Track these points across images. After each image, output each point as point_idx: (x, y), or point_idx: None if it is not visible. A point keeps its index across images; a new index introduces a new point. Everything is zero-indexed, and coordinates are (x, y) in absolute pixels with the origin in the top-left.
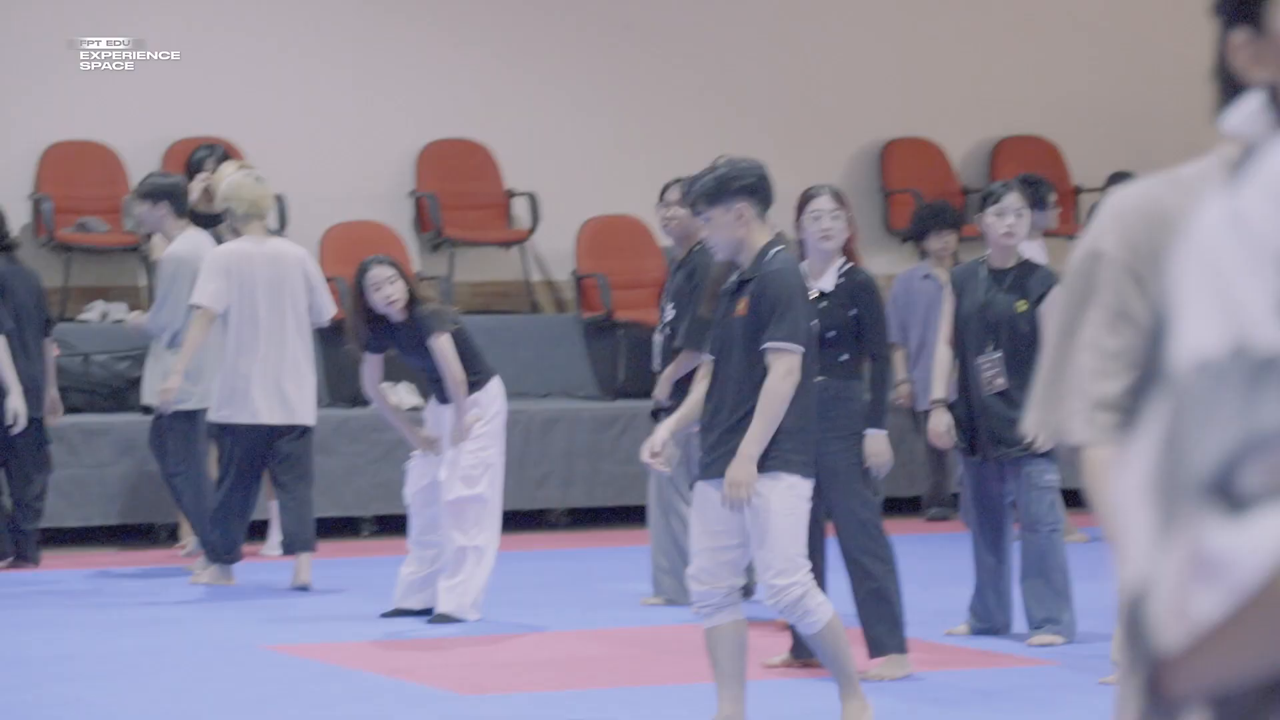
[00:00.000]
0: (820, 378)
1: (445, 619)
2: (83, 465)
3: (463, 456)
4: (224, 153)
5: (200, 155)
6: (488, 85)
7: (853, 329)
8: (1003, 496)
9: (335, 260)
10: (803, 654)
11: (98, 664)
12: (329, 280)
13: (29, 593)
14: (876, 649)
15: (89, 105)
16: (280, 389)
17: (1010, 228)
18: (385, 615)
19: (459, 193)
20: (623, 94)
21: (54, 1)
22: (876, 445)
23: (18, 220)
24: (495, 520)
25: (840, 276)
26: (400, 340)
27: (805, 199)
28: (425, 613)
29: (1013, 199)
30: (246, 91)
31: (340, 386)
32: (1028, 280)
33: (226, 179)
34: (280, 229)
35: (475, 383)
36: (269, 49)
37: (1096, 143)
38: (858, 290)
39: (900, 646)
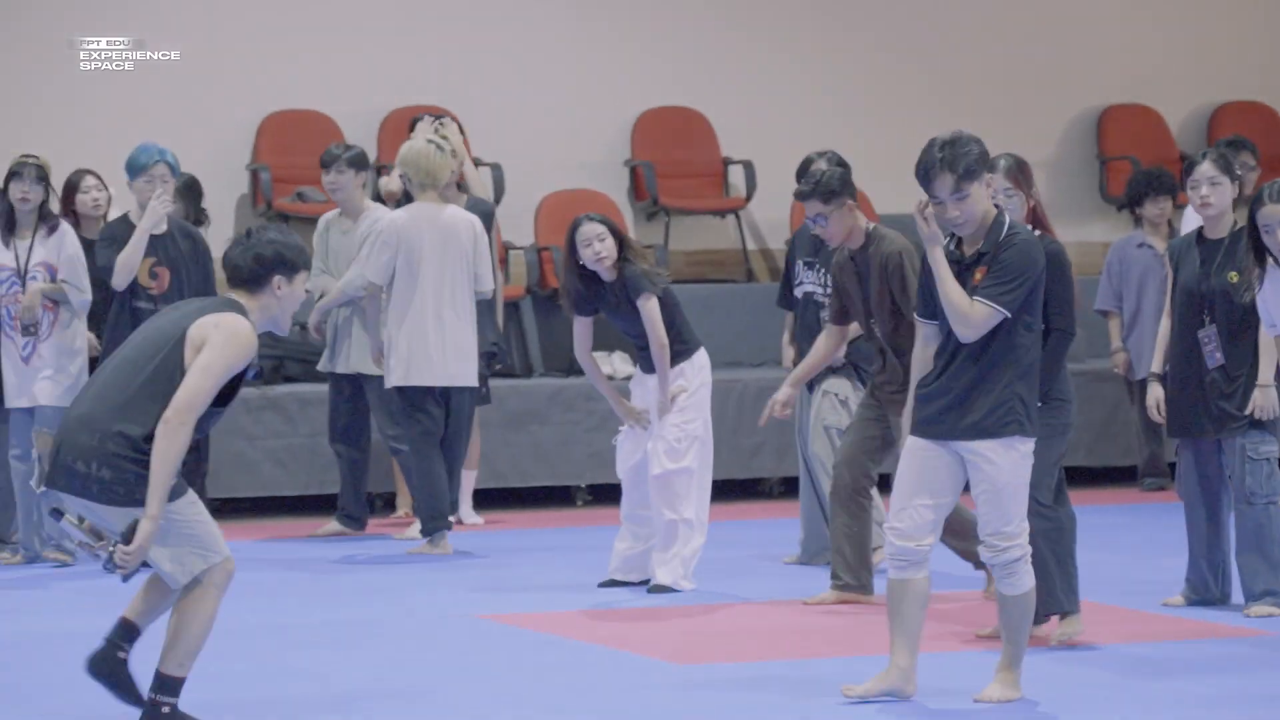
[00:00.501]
0: None
1: (661, 589)
2: (299, 434)
3: (668, 430)
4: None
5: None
6: (704, 52)
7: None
8: (1220, 468)
9: (550, 229)
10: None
11: (312, 633)
12: (544, 249)
13: (241, 560)
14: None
15: (309, 75)
16: (447, 352)
17: (1204, 198)
18: (601, 585)
19: (675, 161)
20: (840, 62)
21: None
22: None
23: (235, 190)
24: (704, 492)
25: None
26: (608, 301)
27: None
28: (641, 584)
29: (1205, 168)
30: (465, 60)
31: (555, 355)
32: (1239, 250)
33: (409, 144)
34: (497, 199)
35: (681, 352)
36: (490, 18)
37: None
38: (1046, 261)
39: (1050, 609)
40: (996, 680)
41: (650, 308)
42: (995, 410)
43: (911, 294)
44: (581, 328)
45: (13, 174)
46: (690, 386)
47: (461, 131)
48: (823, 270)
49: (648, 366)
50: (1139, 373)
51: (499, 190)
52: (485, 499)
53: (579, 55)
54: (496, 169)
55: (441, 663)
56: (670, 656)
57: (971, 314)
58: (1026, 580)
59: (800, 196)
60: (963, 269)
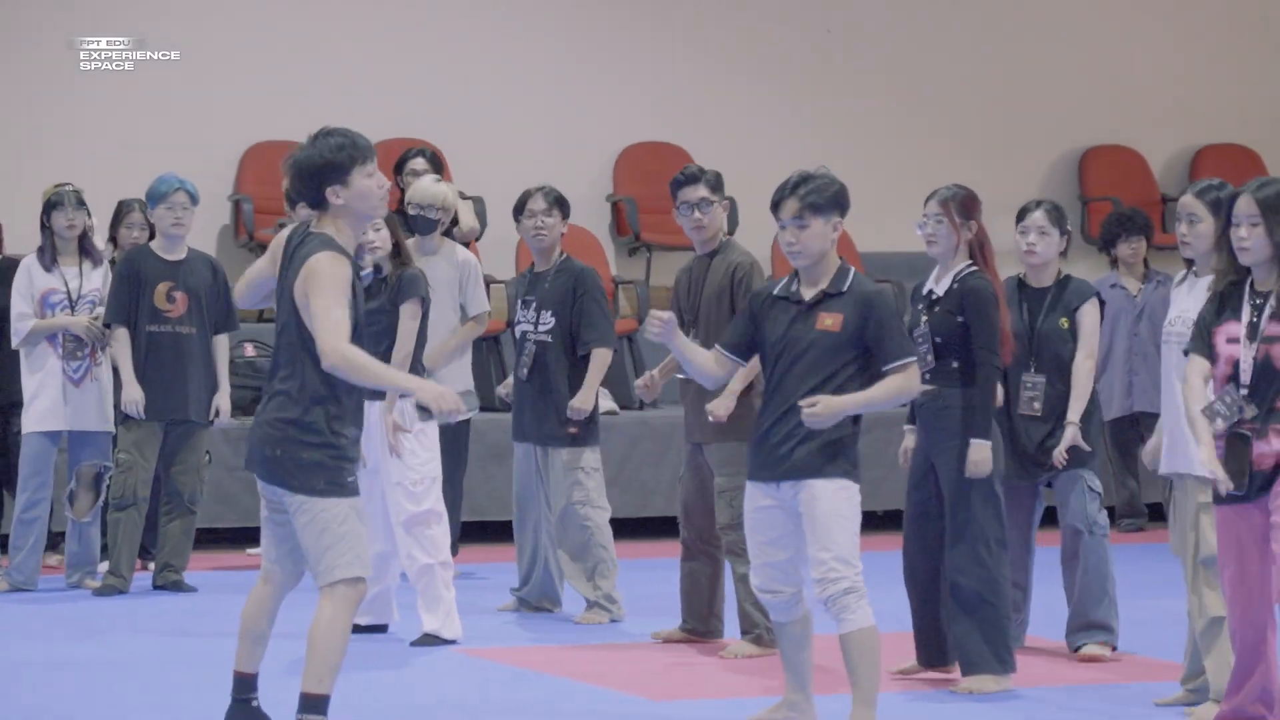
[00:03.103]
0: (930, 386)
1: (431, 639)
2: None
3: (404, 473)
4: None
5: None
6: (686, 88)
7: (962, 336)
8: (1032, 513)
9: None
10: (933, 661)
11: (285, 664)
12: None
13: (221, 587)
14: (967, 667)
15: (292, 106)
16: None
17: (1031, 245)
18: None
19: (657, 196)
20: (822, 100)
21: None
22: (976, 454)
23: (217, 221)
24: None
25: (955, 282)
26: (372, 292)
27: (926, 201)
28: (378, 628)
29: (1037, 217)
30: (449, 93)
31: None
32: (1065, 296)
33: (434, 184)
34: (480, 232)
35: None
36: (474, 52)
37: None
38: (965, 296)
39: (995, 666)
40: None
41: (416, 313)
42: (821, 450)
43: None
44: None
45: (54, 204)
46: (422, 424)
47: (441, 166)
48: (537, 308)
49: (374, 392)
50: (1108, 413)
51: (481, 223)
52: (467, 533)
53: (562, 90)
54: (479, 202)
55: (416, 695)
56: (648, 693)
57: (909, 383)
58: (858, 618)
59: (688, 179)
60: (804, 309)
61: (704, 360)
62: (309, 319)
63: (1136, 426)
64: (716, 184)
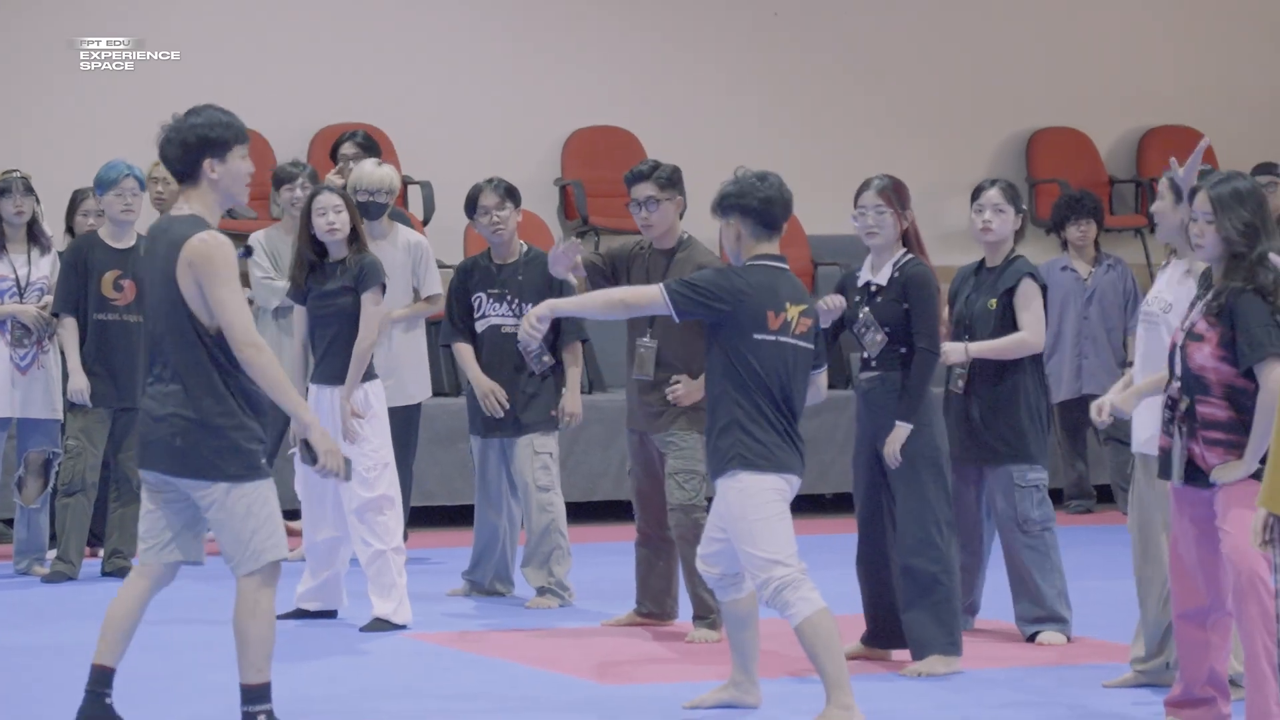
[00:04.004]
0: (877, 372)
1: (381, 624)
2: None
3: (357, 459)
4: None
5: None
6: (635, 72)
7: (906, 323)
8: (978, 496)
9: (479, 248)
10: (884, 643)
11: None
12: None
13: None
14: (918, 649)
15: (238, 93)
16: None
17: (987, 222)
18: (283, 616)
19: (605, 180)
20: (770, 82)
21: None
22: (895, 436)
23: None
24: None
25: (895, 270)
26: (327, 278)
27: (856, 193)
28: (327, 614)
29: (992, 195)
30: (395, 81)
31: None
32: (1003, 277)
33: (375, 168)
34: (427, 218)
35: (366, 372)
36: (421, 37)
37: (1244, 132)
38: (909, 283)
39: (947, 648)
40: (818, 717)
41: (379, 300)
42: (717, 449)
43: None
44: (299, 315)
45: (2, 190)
46: (375, 409)
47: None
48: (515, 300)
49: (328, 376)
50: (1057, 395)
51: (429, 209)
52: (416, 517)
53: (509, 74)
54: (426, 187)
55: (366, 681)
56: (600, 677)
57: (640, 295)
58: (801, 608)
59: (636, 176)
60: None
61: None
62: (212, 306)
63: (1085, 409)
64: (668, 182)
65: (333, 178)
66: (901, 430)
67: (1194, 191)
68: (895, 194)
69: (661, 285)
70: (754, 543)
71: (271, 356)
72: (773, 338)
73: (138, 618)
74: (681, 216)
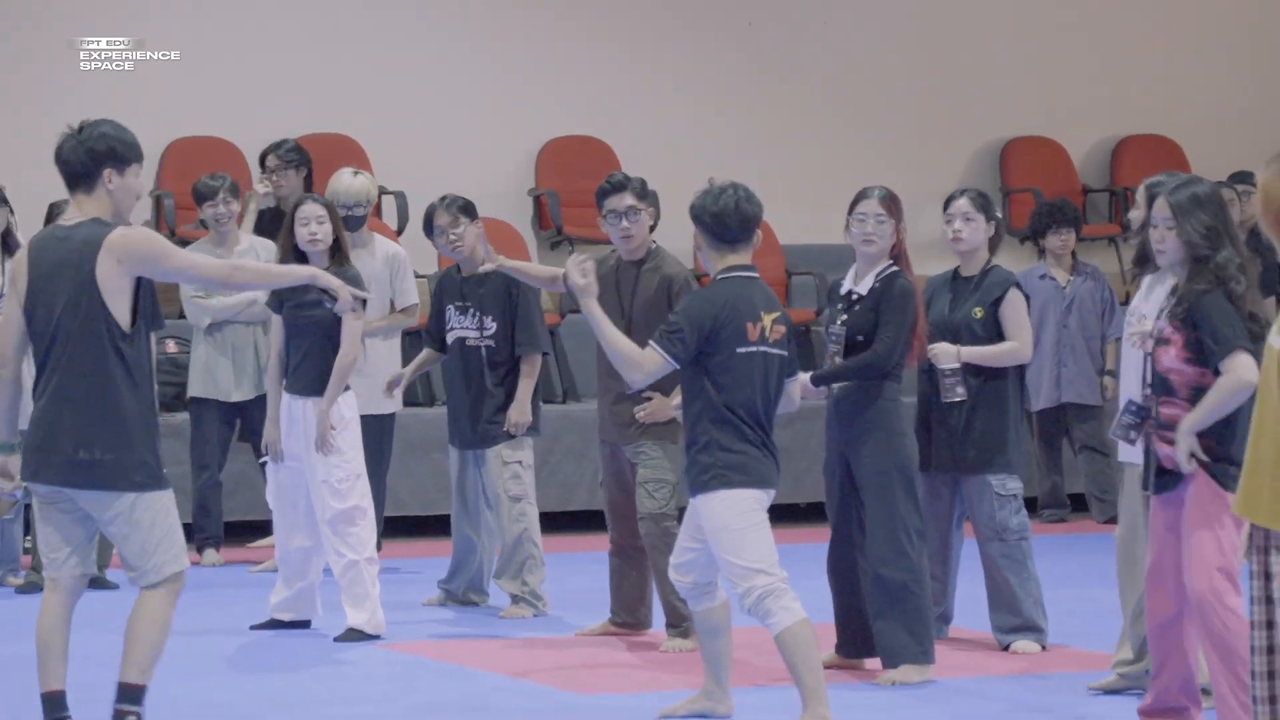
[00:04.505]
0: (848, 381)
1: (356, 634)
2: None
3: (330, 471)
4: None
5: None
6: (608, 82)
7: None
8: (951, 505)
9: None
10: (855, 653)
11: (201, 660)
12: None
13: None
14: (890, 658)
15: (214, 101)
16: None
17: (957, 232)
18: (254, 627)
19: (579, 190)
20: (744, 92)
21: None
22: (796, 385)
23: (139, 216)
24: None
25: (877, 281)
26: (306, 291)
27: (854, 201)
28: (300, 624)
29: (961, 204)
30: (371, 92)
31: None
32: (985, 286)
33: (351, 178)
34: (401, 228)
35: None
36: (396, 47)
37: (1218, 141)
38: (884, 293)
39: (919, 657)
40: None
41: (360, 314)
42: (697, 463)
43: None
44: (276, 324)
45: None
46: (348, 419)
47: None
48: (476, 313)
49: (302, 387)
50: (1036, 404)
51: (403, 219)
52: (389, 527)
53: (484, 85)
54: (400, 197)
55: (340, 691)
56: (574, 687)
57: (643, 361)
58: (782, 618)
59: (614, 187)
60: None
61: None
62: (180, 274)
63: (1064, 418)
64: (643, 191)
65: (258, 187)
66: (803, 379)
67: (1152, 198)
68: (895, 204)
69: (652, 344)
70: (736, 552)
71: (244, 261)
72: (753, 349)
73: (65, 634)
74: (653, 229)
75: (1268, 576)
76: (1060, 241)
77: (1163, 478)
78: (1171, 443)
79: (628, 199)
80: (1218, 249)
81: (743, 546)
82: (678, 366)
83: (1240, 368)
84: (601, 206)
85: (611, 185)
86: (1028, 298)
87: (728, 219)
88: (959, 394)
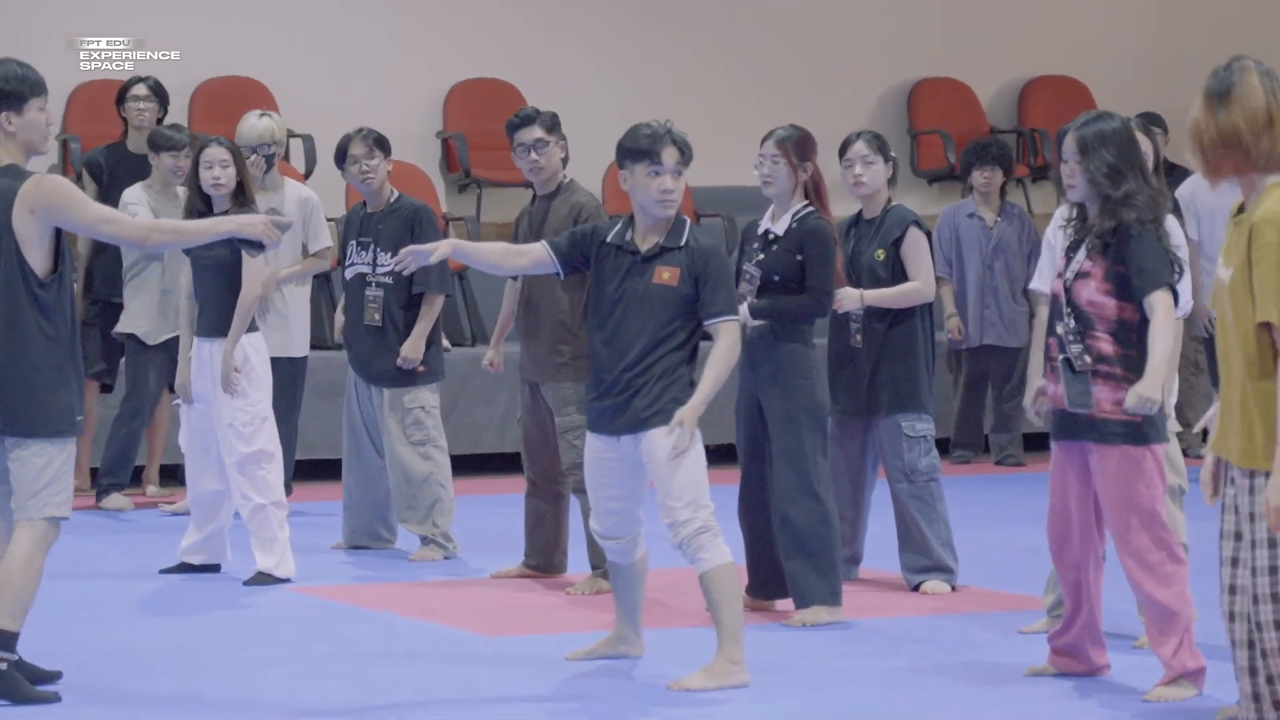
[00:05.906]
0: (763, 321)
1: (264, 577)
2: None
3: (236, 414)
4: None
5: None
6: (516, 24)
7: (799, 274)
8: (863, 447)
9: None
10: (767, 594)
11: (118, 606)
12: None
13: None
14: (800, 599)
15: (119, 46)
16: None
17: (858, 176)
18: (164, 571)
19: (487, 133)
20: (649, 35)
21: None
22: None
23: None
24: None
25: (794, 221)
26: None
27: (761, 143)
28: (210, 568)
29: (859, 148)
30: (275, 33)
31: None
32: (885, 227)
33: (259, 120)
34: (309, 171)
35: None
36: None
37: (1124, 83)
38: (805, 235)
39: (828, 598)
40: (705, 668)
41: (260, 257)
42: (662, 397)
43: None
44: (186, 267)
45: None
46: (253, 363)
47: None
48: (374, 249)
49: (208, 328)
50: (960, 344)
51: (311, 162)
52: (300, 471)
53: (391, 27)
54: (308, 140)
55: (250, 635)
56: (483, 629)
57: (734, 346)
58: (713, 555)
59: (523, 120)
60: (640, 260)
61: (497, 253)
62: (89, 229)
63: (987, 359)
64: (552, 125)
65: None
66: (743, 311)
67: (1063, 133)
68: (795, 146)
69: (544, 241)
70: (683, 486)
71: (174, 222)
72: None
73: None
74: (566, 164)
75: (1236, 510)
76: (984, 179)
77: (1070, 426)
78: (1106, 377)
79: (536, 131)
80: (1119, 185)
81: (692, 479)
82: (559, 271)
83: (1169, 306)
84: (512, 140)
85: (520, 119)
86: (928, 235)
87: (621, 148)
88: (858, 341)
